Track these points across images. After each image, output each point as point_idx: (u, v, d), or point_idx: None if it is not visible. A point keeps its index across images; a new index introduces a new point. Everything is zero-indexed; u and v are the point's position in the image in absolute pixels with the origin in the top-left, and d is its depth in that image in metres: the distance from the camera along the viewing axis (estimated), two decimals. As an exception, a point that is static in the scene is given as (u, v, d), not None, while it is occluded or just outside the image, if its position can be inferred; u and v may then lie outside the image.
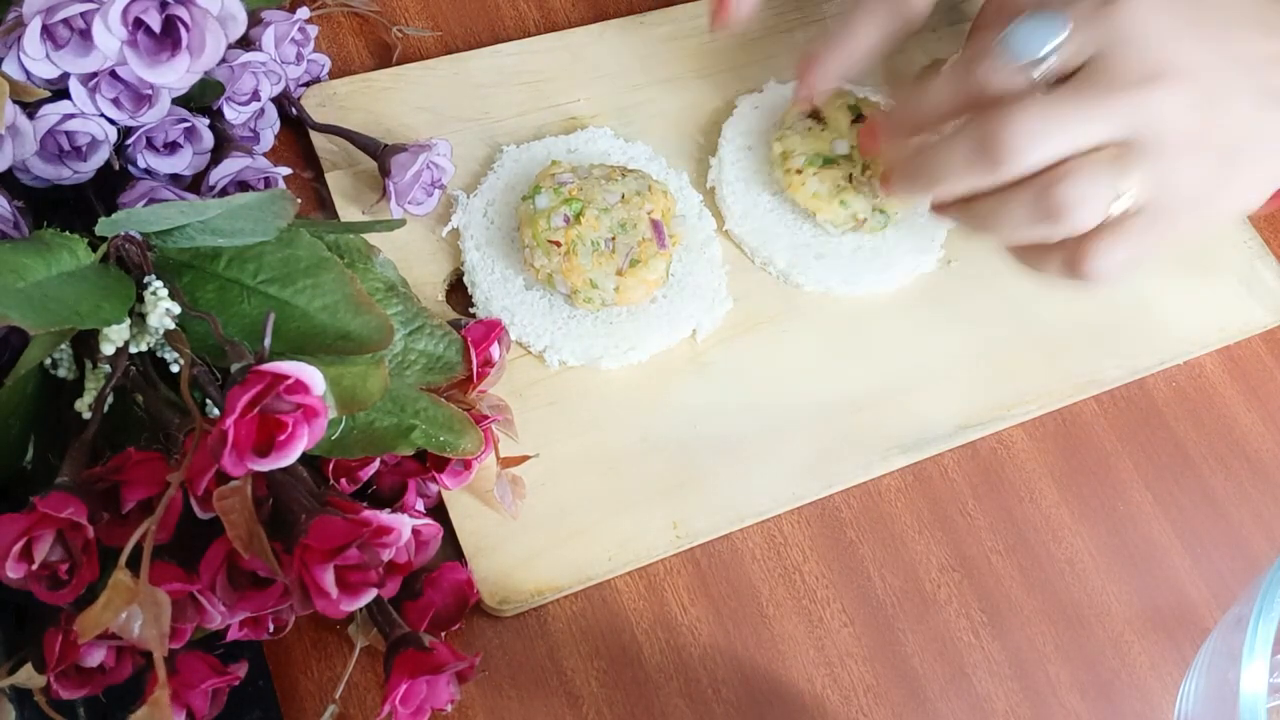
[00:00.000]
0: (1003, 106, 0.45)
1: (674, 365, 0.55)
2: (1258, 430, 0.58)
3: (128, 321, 0.41)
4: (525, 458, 0.50)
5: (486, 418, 0.47)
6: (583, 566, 0.49)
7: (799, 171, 0.57)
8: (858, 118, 0.59)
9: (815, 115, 0.59)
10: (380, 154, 0.55)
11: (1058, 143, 0.45)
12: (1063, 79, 0.46)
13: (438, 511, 0.49)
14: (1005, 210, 0.46)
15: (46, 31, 0.44)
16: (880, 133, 0.52)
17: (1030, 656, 0.51)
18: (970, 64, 0.47)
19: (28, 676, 0.40)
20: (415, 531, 0.41)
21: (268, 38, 0.53)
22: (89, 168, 0.47)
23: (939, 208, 0.51)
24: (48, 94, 0.45)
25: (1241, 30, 0.47)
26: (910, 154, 0.49)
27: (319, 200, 0.57)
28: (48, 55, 0.44)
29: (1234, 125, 0.46)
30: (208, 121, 0.51)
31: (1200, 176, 0.46)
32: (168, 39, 0.45)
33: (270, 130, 0.56)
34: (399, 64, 0.62)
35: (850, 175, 0.57)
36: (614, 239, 0.53)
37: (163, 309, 0.41)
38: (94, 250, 0.42)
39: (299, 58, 0.56)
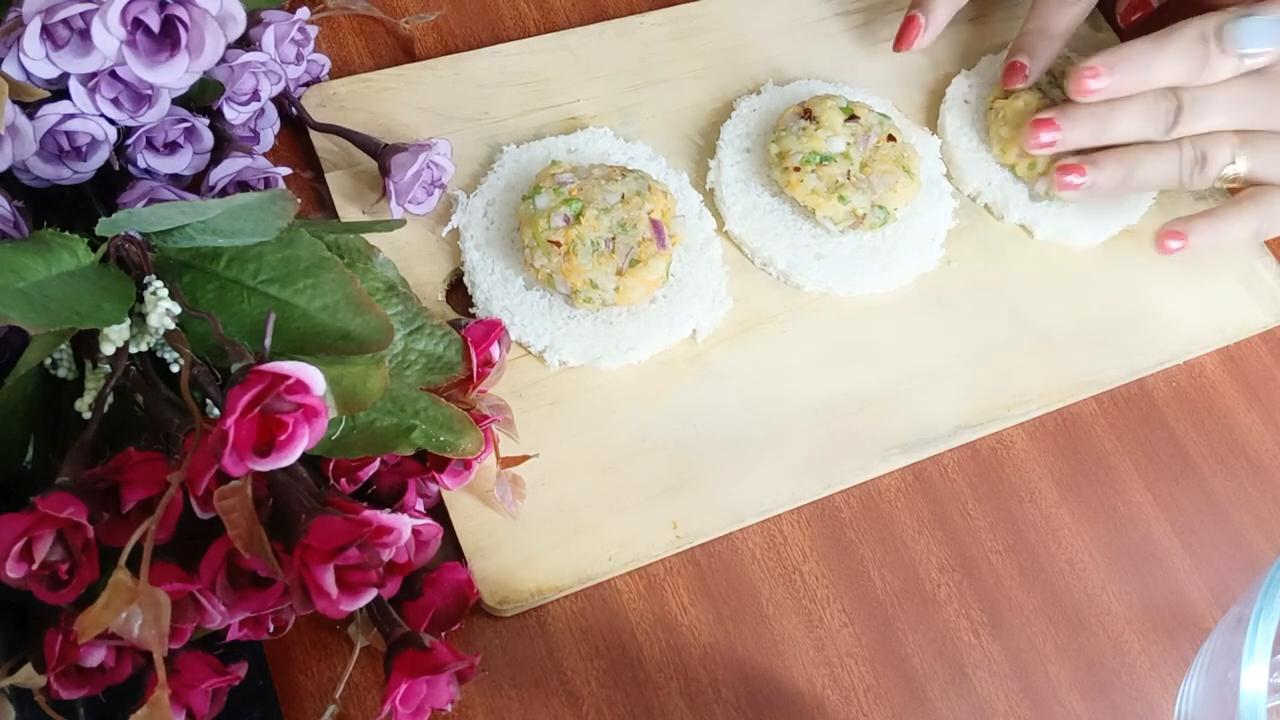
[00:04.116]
0: (1203, 87, 0.56)
1: (674, 365, 0.55)
2: (1258, 430, 0.58)
3: (128, 321, 0.41)
4: (525, 458, 0.50)
5: (486, 418, 0.47)
6: (583, 566, 0.49)
7: (797, 169, 0.57)
8: (850, 119, 0.59)
9: (809, 116, 0.59)
10: (380, 153, 0.55)
11: (1224, 122, 0.56)
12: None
13: (438, 511, 0.49)
14: (1159, 155, 0.56)
15: (46, 32, 0.43)
16: (1097, 69, 0.56)
17: (1030, 656, 0.51)
18: (1200, 42, 0.55)
19: (28, 676, 0.40)
20: (415, 531, 0.41)
21: (267, 38, 0.53)
22: (89, 168, 0.47)
23: (1069, 169, 0.57)
24: (48, 94, 0.44)
25: None
26: (1096, 106, 0.57)
27: (319, 200, 0.57)
28: (47, 55, 0.44)
29: None
30: (208, 121, 0.51)
31: None
32: (167, 39, 0.45)
33: (270, 130, 0.56)
34: (422, 58, 0.62)
35: (848, 172, 0.57)
36: (614, 239, 0.53)
37: (163, 309, 0.41)
38: (94, 250, 0.41)
39: (299, 58, 0.56)
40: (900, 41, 0.63)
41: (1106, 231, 0.62)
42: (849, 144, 0.58)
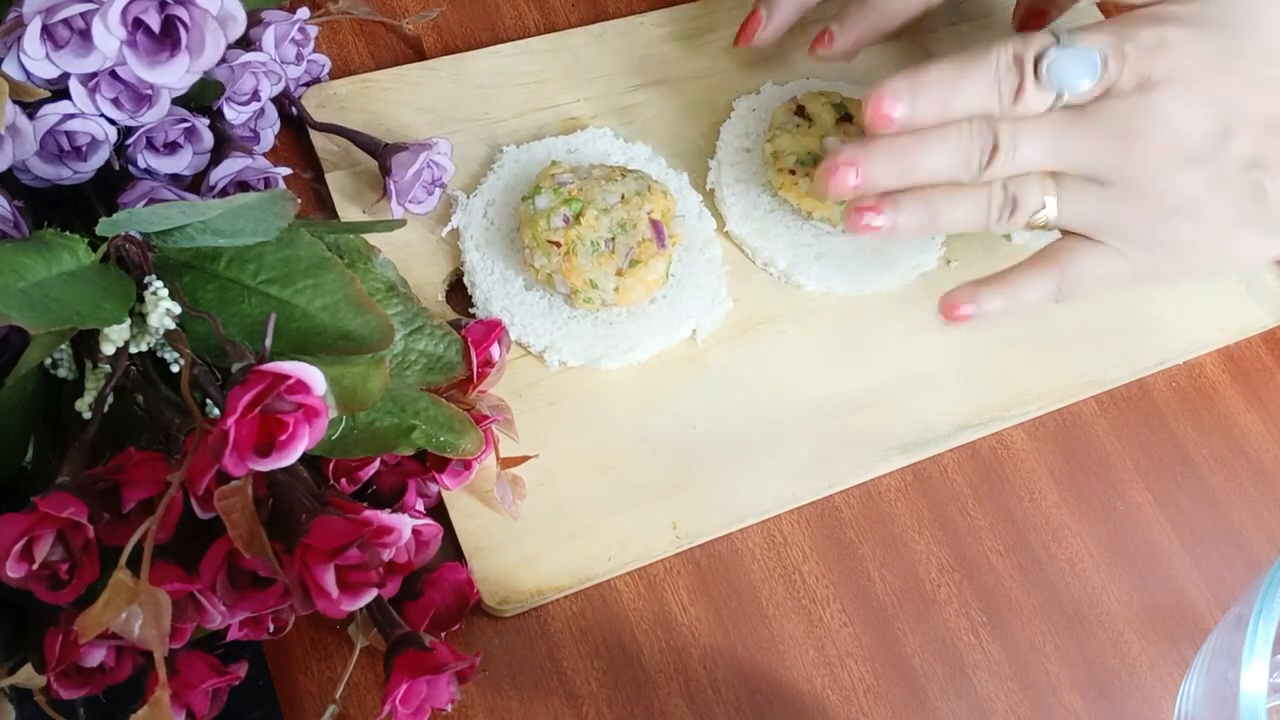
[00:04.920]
0: (1019, 121, 0.49)
1: (674, 365, 0.55)
2: (1258, 430, 0.58)
3: (128, 321, 0.41)
4: (525, 458, 0.50)
5: (486, 418, 0.47)
6: (583, 566, 0.49)
7: (791, 172, 0.57)
8: (844, 116, 0.59)
9: (802, 113, 0.59)
10: (381, 153, 0.55)
11: (1041, 161, 0.49)
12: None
13: (438, 511, 0.49)
14: (967, 198, 0.50)
15: (46, 32, 0.43)
16: (897, 93, 0.49)
17: (1030, 656, 0.51)
18: (1014, 70, 0.49)
19: (28, 676, 0.40)
20: (415, 531, 0.41)
21: (268, 38, 0.53)
22: (89, 168, 0.47)
23: (862, 209, 0.51)
24: (48, 94, 0.44)
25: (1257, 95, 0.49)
26: (900, 142, 0.50)
27: (319, 200, 0.57)
28: (48, 55, 0.44)
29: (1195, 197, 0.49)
30: (208, 121, 0.51)
31: (1143, 235, 0.50)
32: (167, 39, 0.45)
33: (270, 130, 0.56)
34: (422, 59, 0.62)
35: None
36: (614, 239, 0.53)
37: (163, 309, 0.41)
38: (94, 250, 0.41)
39: (299, 58, 0.56)
40: (740, 38, 0.62)
41: None
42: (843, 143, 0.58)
